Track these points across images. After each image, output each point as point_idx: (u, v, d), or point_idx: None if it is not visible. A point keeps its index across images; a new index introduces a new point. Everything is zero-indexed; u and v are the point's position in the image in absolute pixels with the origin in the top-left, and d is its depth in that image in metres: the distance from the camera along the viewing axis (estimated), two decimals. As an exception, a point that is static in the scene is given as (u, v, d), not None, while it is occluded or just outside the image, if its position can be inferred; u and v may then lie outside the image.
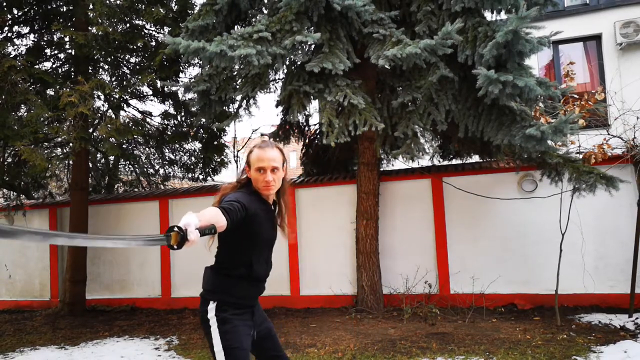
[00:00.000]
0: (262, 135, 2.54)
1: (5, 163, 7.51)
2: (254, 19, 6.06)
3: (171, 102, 8.05)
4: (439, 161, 7.85)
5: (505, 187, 6.73)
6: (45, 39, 7.37)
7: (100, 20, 6.57)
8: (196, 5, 7.12)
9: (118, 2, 6.63)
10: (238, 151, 7.77)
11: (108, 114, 7.97)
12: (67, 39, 7.00)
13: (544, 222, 6.42)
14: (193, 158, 9.33)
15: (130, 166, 10.06)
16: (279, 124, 7.80)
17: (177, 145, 9.10)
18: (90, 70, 7.33)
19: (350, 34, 5.57)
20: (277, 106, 6.89)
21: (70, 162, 8.20)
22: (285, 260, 7.46)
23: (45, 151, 8.05)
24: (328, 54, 5.30)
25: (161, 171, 9.78)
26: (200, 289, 2.33)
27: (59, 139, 7.69)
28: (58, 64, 7.66)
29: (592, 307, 6.18)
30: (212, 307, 2.20)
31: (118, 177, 10.33)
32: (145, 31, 7.46)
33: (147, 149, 9.45)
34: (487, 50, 4.79)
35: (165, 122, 8.32)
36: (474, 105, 5.45)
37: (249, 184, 2.28)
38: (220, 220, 1.86)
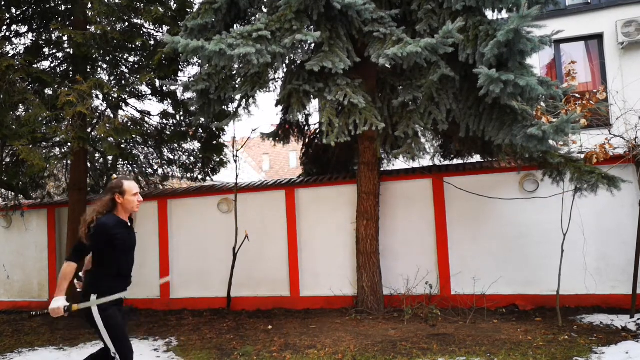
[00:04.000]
0: (116, 174, 3.49)
1: (4, 163, 7.47)
2: (253, 18, 6.03)
3: (170, 102, 8.00)
4: (440, 161, 7.82)
5: (507, 187, 6.70)
6: (43, 38, 7.32)
7: (98, 19, 6.53)
8: (195, 4, 7.08)
9: (117, 1, 6.59)
10: (237, 151, 7.72)
11: (107, 114, 7.94)
12: (65, 38, 6.96)
13: (545, 222, 6.39)
14: (192, 158, 9.28)
15: (128, 166, 10.00)
16: (278, 124, 7.77)
17: (176, 145, 9.05)
18: (88, 70, 7.29)
19: (350, 32, 5.54)
20: (276, 105, 6.84)
21: (69, 161, 8.16)
22: (285, 261, 7.42)
23: (44, 151, 8.00)
24: (328, 52, 5.27)
25: (160, 171, 9.72)
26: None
27: (58, 139, 7.65)
28: (56, 63, 7.61)
29: (593, 308, 6.15)
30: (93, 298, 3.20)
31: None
32: (144, 30, 7.42)
33: (145, 149, 9.40)
34: (488, 49, 4.75)
35: (164, 121, 8.28)
36: (475, 104, 5.42)
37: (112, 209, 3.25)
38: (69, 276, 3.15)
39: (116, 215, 3.23)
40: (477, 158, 7.44)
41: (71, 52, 7.15)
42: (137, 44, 7.01)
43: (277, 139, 7.69)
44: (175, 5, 7.11)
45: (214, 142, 8.12)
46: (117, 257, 3.21)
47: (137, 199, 3.28)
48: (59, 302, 3.12)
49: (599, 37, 9.71)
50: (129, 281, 3.35)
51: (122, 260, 3.25)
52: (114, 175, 3.53)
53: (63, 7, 7.15)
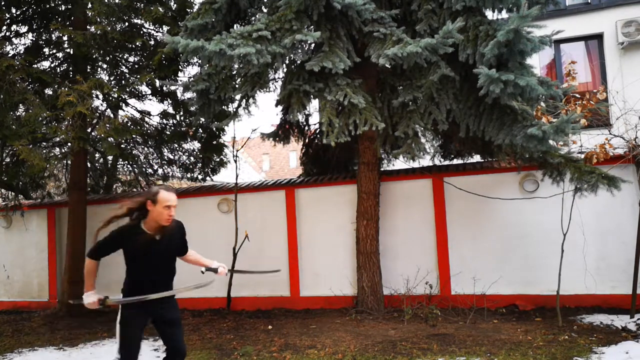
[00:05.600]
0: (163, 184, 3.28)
1: (4, 163, 7.47)
2: (253, 18, 6.03)
3: (170, 102, 8.00)
4: (440, 161, 7.81)
5: (507, 187, 6.70)
6: (43, 38, 7.32)
7: (98, 19, 6.53)
8: (195, 4, 7.08)
9: (117, 1, 6.59)
10: (237, 151, 7.72)
11: (107, 114, 7.94)
12: (65, 38, 6.96)
13: (545, 222, 6.39)
14: (192, 158, 9.28)
15: (128, 166, 10.00)
16: (278, 124, 7.76)
17: (176, 145, 9.05)
18: (88, 70, 7.28)
19: (350, 32, 5.53)
20: (276, 105, 6.85)
21: (69, 161, 8.16)
22: (285, 261, 7.42)
23: (44, 151, 8.00)
24: (328, 52, 5.26)
25: (160, 171, 9.72)
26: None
27: (58, 139, 7.65)
28: (56, 63, 7.61)
29: (593, 308, 6.15)
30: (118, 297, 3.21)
31: (116, 177, 10.28)
32: (144, 30, 7.42)
33: (145, 149, 9.40)
34: (488, 49, 4.75)
35: (164, 121, 8.28)
36: (475, 104, 5.42)
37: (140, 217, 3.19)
38: None
39: (133, 224, 3.20)
40: (477, 158, 7.43)
41: (71, 52, 7.15)
42: (137, 44, 7.01)
43: (277, 139, 7.69)
44: (175, 5, 7.11)
45: (214, 142, 8.12)
46: (127, 263, 3.23)
47: (167, 212, 3.19)
48: (91, 297, 3.07)
49: (599, 37, 9.71)
50: (152, 287, 3.25)
51: (132, 267, 3.23)
52: (160, 182, 3.43)
53: (63, 7, 7.15)
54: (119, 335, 3.19)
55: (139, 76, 6.99)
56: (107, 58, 7.31)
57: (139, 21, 7.21)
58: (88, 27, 6.95)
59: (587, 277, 6.22)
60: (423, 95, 5.45)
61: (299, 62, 5.78)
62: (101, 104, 7.72)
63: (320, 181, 7.54)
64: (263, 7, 6.00)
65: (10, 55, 6.76)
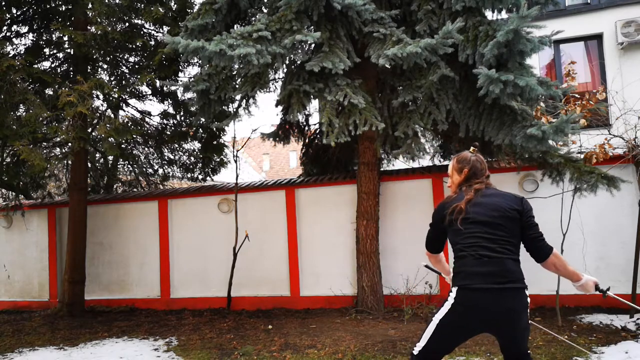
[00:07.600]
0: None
1: (4, 163, 7.48)
2: (253, 18, 6.04)
3: (170, 102, 8.02)
4: (440, 161, 7.83)
5: (506, 187, 6.61)
6: (44, 38, 7.33)
7: (99, 20, 6.53)
8: (195, 4, 7.09)
9: (117, 1, 6.60)
10: (237, 151, 7.73)
11: (107, 114, 7.95)
12: (66, 38, 6.97)
13: (544, 222, 6.28)
14: (192, 158, 9.30)
15: (129, 166, 10.02)
16: (278, 124, 7.77)
17: (177, 145, 9.07)
18: (89, 70, 7.29)
19: (350, 33, 5.55)
20: (276, 106, 6.87)
21: (69, 162, 8.17)
22: (285, 261, 7.43)
23: (44, 151, 8.01)
24: (328, 53, 5.28)
25: (160, 171, 9.74)
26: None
27: (58, 139, 7.66)
28: (57, 64, 7.63)
29: (593, 308, 6.16)
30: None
31: (117, 177, 10.29)
32: (145, 30, 7.43)
33: (146, 149, 9.42)
34: (488, 49, 4.77)
35: (165, 121, 8.29)
36: (474, 104, 5.44)
37: None
38: None
39: None
40: (476, 158, 7.43)
41: (72, 53, 7.16)
42: (138, 44, 7.02)
43: (277, 139, 7.70)
44: (175, 5, 7.12)
45: (214, 142, 8.13)
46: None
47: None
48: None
49: (598, 38, 9.72)
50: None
51: None
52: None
53: (63, 8, 7.15)
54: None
55: (139, 76, 7.00)
56: (108, 58, 7.33)
57: (139, 21, 7.21)
58: (88, 27, 6.96)
59: (586, 277, 6.22)
60: (423, 95, 5.47)
61: (299, 62, 5.80)
62: (101, 104, 7.74)
63: (320, 181, 7.55)
64: (263, 7, 6.02)
65: (10, 55, 6.76)
